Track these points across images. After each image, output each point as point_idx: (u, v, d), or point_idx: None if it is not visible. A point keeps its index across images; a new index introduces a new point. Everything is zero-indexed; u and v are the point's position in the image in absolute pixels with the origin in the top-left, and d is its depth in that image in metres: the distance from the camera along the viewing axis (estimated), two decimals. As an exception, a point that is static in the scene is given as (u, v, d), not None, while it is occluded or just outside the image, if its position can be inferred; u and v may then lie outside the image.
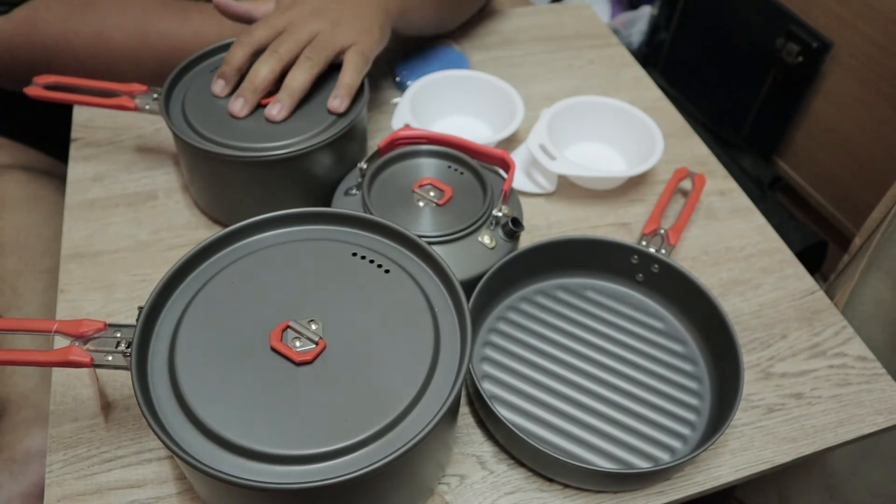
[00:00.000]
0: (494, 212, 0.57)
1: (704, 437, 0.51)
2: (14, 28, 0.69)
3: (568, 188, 0.70)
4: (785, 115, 1.23)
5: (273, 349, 0.41)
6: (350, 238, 0.48)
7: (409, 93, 0.72)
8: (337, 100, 0.59)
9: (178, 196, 0.67)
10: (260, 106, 0.60)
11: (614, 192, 0.71)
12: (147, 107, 0.62)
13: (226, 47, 0.65)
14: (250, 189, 0.60)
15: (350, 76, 0.59)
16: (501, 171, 0.62)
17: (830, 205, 1.20)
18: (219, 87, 0.60)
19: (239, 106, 0.58)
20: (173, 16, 0.70)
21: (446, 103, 0.75)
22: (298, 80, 0.58)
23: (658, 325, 0.59)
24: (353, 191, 0.59)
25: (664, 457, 0.51)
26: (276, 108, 0.58)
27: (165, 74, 0.62)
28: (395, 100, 0.79)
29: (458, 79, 0.75)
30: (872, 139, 1.10)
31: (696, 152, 0.76)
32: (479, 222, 0.56)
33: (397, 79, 0.81)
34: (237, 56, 0.59)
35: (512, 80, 0.76)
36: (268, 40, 0.59)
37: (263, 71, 0.58)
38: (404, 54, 0.83)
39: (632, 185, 0.71)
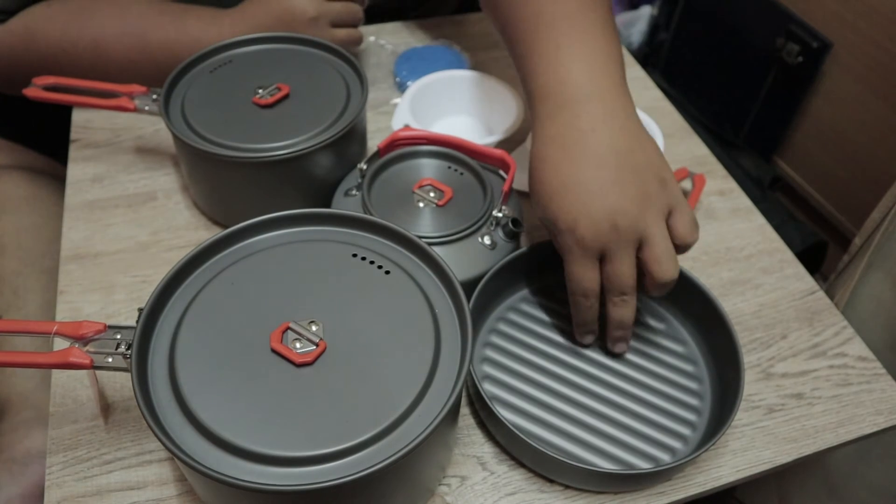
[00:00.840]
0: (494, 212, 0.57)
1: (705, 437, 0.51)
2: (12, 38, 0.69)
3: (568, 188, 0.70)
4: (785, 115, 1.23)
5: (273, 350, 0.41)
6: (350, 239, 0.48)
7: (409, 93, 0.72)
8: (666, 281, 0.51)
9: (177, 197, 0.67)
10: (260, 106, 0.60)
11: (614, 192, 0.71)
12: (146, 108, 0.61)
13: (225, 48, 0.65)
14: (250, 190, 0.60)
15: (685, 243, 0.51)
16: (501, 171, 0.62)
17: (830, 205, 1.20)
18: (590, 339, 0.56)
19: (623, 348, 0.56)
20: (172, 24, 0.70)
21: (446, 103, 0.75)
22: (628, 316, 0.52)
23: (658, 325, 0.59)
24: (353, 191, 0.59)
25: (665, 457, 0.51)
26: (622, 347, 0.56)
27: (164, 81, 0.62)
28: (395, 100, 0.79)
29: (458, 79, 0.75)
30: (872, 139, 1.10)
31: (696, 152, 0.76)
32: (479, 223, 0.56)
33: (397, 79, 0.81)
34: (589, 315, 0.53)
35: (512, 81, 0.76)
36: (596, 284, 0.51)
37: (627, 317, 0.52)
38: (404, 54, 0.83)
39: (632, 186, 0.71)
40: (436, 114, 0.75)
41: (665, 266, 0.50)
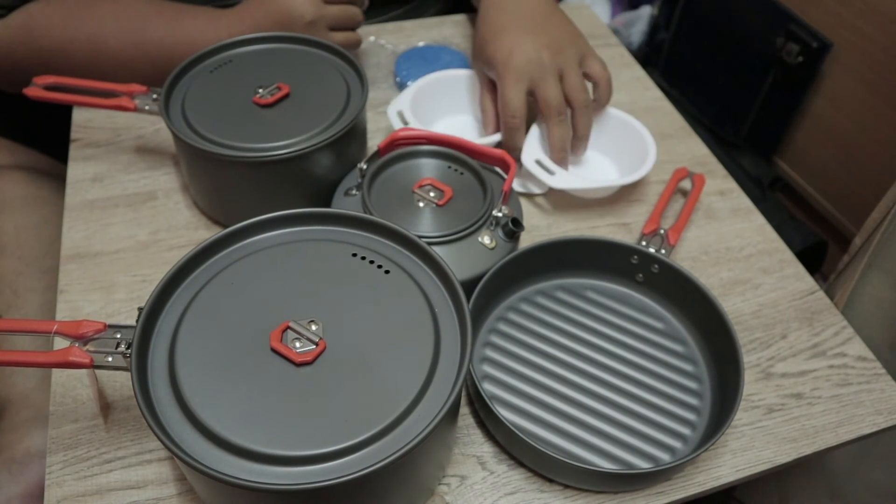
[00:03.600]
0: (494, 212, 0.57)
1: (705, 437, 0.51)
2: (11, 34, 0.69)
3: (568, 188, 0.70)
4: (785, 115, 1.22)
5: (273, 350, 0.41)
6: (350, 238, 0.48)
7: (409, 92, 0.72)
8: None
9: (177, 196, 0.67)
10: (260, 106, 0.61)
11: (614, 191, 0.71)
12: (147, 107, 0.61)
13: (225, 47, 0.65)
14: (250, 189, 0.60)
15: (606, 90, 0.69)
16: (501, 172, 0.62)
17: (830, 205, 1.20)
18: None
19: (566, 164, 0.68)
20: (169, 22, 0.70)
21: (446, 103, 0.75)
22: (566, 135, 0.67)
23: (658, 325, 0.59)
24: (353, 191, 0.59)
25: (665, 457, 0.51)
26: (565, 164, 0.68)
27: (162, 80, 0.62)
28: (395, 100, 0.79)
29: (458, 79, 0.75)
30: (872, 139, 1.10)
31: (696, 152, 0.76)
32: (479, 222, 0.56)
33: (397, 79, 0.81)
34: (518, 137, 0.67)
35: (512, 81, 0.76)
36: (523, 106, 0.66)
37: (567, 136, 0.67)
38: (404, 54, 0.83)
39: (631, 186, 0.71)
40: (436, 113, 0.75)
41: (579, 93, 0.66)
